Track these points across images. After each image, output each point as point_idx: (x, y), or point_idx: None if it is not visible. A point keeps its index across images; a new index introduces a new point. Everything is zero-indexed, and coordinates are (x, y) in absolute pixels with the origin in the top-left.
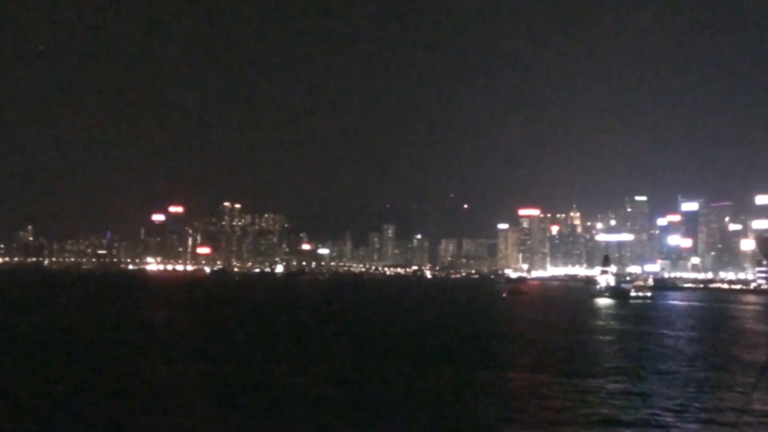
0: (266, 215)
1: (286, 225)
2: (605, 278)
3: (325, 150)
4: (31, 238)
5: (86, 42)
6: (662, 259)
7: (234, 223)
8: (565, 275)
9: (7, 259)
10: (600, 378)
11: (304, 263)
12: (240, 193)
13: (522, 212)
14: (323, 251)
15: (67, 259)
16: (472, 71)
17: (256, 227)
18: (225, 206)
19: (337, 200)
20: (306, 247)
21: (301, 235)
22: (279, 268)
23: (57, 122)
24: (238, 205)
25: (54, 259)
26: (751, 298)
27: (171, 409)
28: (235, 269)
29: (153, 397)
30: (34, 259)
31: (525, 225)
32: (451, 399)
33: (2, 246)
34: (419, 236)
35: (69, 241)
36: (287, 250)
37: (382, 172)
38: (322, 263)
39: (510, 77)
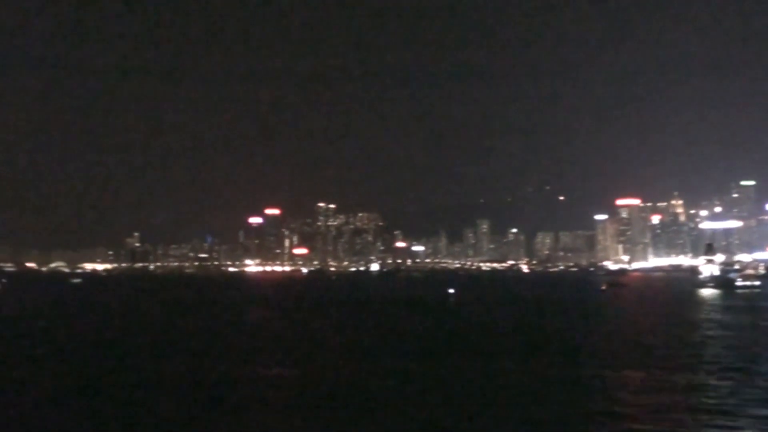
0: (360, 214)
1: (380, 223)
2: (709, 268)
3: (418, 147)
4: (137, 245)
5: (175, 50)
6: None
7: (329, 223)
8: (669, 266)
9: (116, 264)
10: (705, 374)
11: (399, 261)
12: (334, 193)
13: (621, 202)
14: (418, 248)
15: (170, 264)
16: (567, 63)
17: (351, 226)
18: (320, 207)
19: (431, 197)
20: (400, 244)
21: (395, 233)
22: (374, 267)
23: (159, 134)
24: (332, 206)
25: (159, 263)
26: None
27: (256, 413)
28: (332, 269)
29: (242, 402)
30: (140, 264)
31: (624, 215)
32: (552, 395)
33: (112, 252)
34: (515, 230)
35: (172, 246)
36: (382, 248)
37: (475, 167)
38: (417, 260)
39: (605, 66)
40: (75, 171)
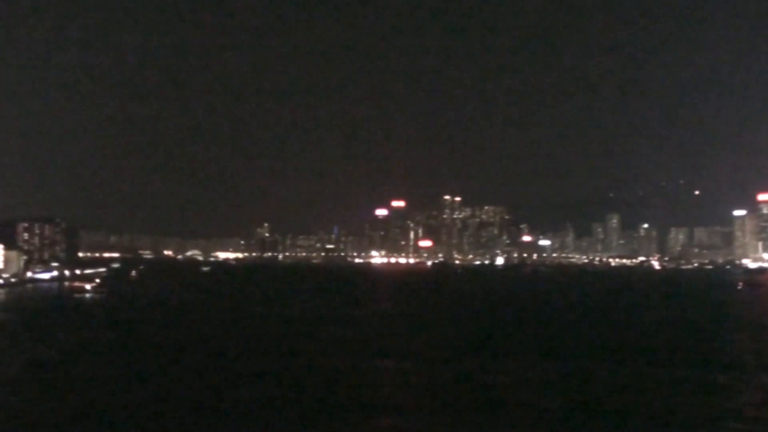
0: (486, 207)
1: (506, 217)
2: None
3: (546, 140)
4: (267, 235)
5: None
6: None
7: (454, 216)
8: None
9: (246, 254)
10: None
11: (525, 255)
12: (460, 186)
13: (761, 197)
14: (544, 242)
15: (298, 254)
16: (702, 54)
17: (477, 219)
18: (445, 199)
19: (558, 190)
20: (527, 238)
21: (521, 226)
22: (499, 260)
23: (289, 126)
24: (458, 198)
25: (287, 253)
26: None
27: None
28: (456, 261)
29: (361, 397)
30: (269, 253)
31: (765, 211)
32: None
33: (243, 242)
34: (646, 225)
35: (300, 237)
36: (508, 242)
37: (605, 159)
38: (544, 254)
39: (745, 55)
40: (211, 164)
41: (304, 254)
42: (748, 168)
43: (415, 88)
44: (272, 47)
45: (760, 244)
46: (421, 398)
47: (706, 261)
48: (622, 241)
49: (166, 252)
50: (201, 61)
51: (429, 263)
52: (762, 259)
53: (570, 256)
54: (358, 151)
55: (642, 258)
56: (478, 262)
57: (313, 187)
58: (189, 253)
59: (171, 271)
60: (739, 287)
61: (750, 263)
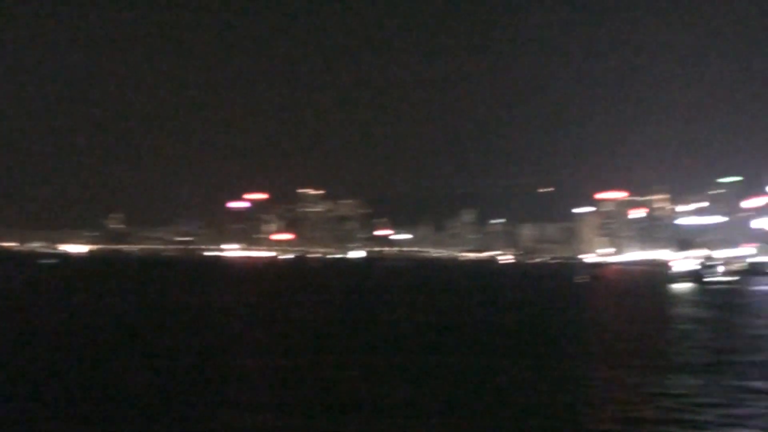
0: (346, 201)
1: (365, 211)
2: (684, 263)
3: (405, 134)
4: (117, 226)
5: (154, 24)
6: (753, 242)
7: (314, 209)
8: (649, 260)
9: (94, 246)
10: (677, 372)
11: (382, 249)
12: (320, 178)
13: (604, 195)
14: (402, 236)
15: (151, 246)
16: (550, 54)
17: (335, 213)
18: (304, 192)
19: (418, 185)
20: (385, 232)
21: (380, 220)
22: (358, 254)
23: (144, 109)
24: (317, 191)
25: (138, 246)
26: None
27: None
28: (314, 255)
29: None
30: (119, 245)
31: (606, 208)
32: (526, 393)
33: (91, 233)
34: (498, 220)
35: (153, 228)
36: (366, 236)
37: (461, 156)
38: (401, 249)
39: (591, 56)
40: (59, 150)
41: (157, 246)
42: (592, 167)
43: (274, 80)
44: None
45: (601, 239)
46: (268, 393)
47: (553, 255)
48: (475, 236)
49: (3, 243)
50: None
51: (286, 257)
52: (603, 254)
53: (425, 250)
54: (219, 140)
55: (493, 252)
56: (336, 256)
57: (171, 177)
58: (32, 245)
59: (6, 264)
60: (581, 281)
61: (591, 258)
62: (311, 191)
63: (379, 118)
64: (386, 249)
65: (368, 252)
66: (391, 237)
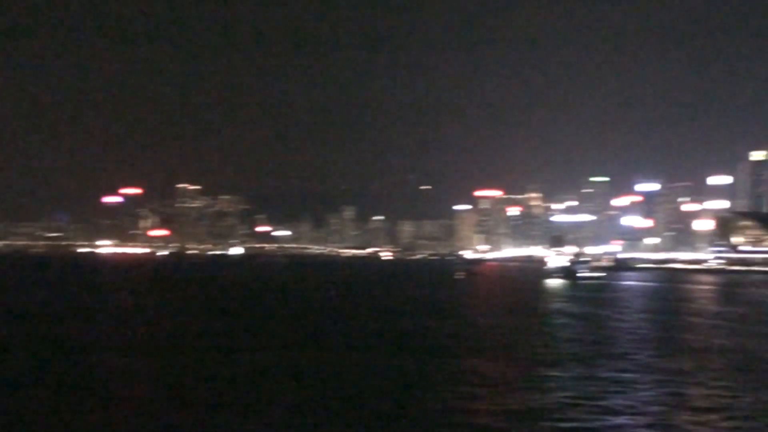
0: (224, 197)
1: (244, 207)
2: (558, 259)
3: (284, 130)
4: None
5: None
6: (620, 239)
7: (191, 205)
8: (524, 256)
9: None
10: (549, 365)
11: (262, 245)
12: (197, 174)
13: (481, 193)
14: (281, 233)
15: (18, 242)
16: (432, 52)
17: (214, 209)
18: (181, 188)
19: (297, 181)
20: (264, 228)
21: (259, 216)
22: (236, 251)
23: (15, 101)
24: (195, 186)
25: (5, 242)
26: (707, 278)
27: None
28: (192, 252)
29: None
30: None
31: (484, 206)
32: (402, 390)
33: None
34: (378, 217)
35: (20, 223)
36: (245, 232)
37: (341, 152)
38: (281, 245)
39: (468, 58)
40: None
41: (25, 243)
42: (470, 165)
43: (148, 73)
44: None
45: (478, 236)
46: (143, 391)
47: (432, 252)
48: (356, 233)
49: None
50: None
51: (162, 253)
52: (480, 251)
53: (306, 246)
54: (92, 133)
55: (373, 249)
56: (214, 253)
57: (40, 169)
58: None
59: None
60: (459, 277)
61: (469, 254)
62: (188, 186)
63: (257, 114)
64: (266, 245)
65: (248, 248)
66: (271, 233)
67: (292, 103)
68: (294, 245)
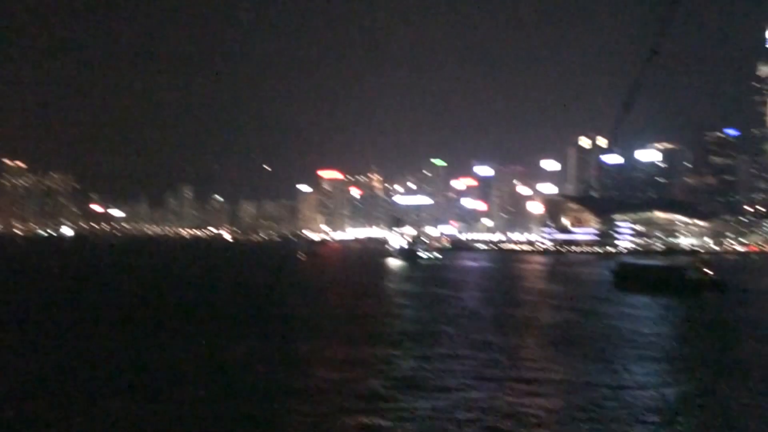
0: (53, 174)
1: (75, 185)
2: (397, 240)
3: (120, 107)
4: None
5: None
6: (458, 221)
7: (16, 182)
8: (365, 237)
9: None
10: (388, 344)
11: (96, 225)
12: (23, 150)
13: (323, 174)
14: (116, 213)
15: None
16: (276, 31)
17: (42, 187)
18: (6, 164)
19: (133, 160)
20: (98, 208)
21: (92, 195)
22: (68, 231)
23: None
24: (21, 163)
25: None
26: (538, 258)
27: None
28: (18, 232)
29: None
30: None
31: (326, 187)
32: (238, 372)
33: None
34: (219, 197)
35: None
36: (77, 211)
37: (180, 131)
38: (116, 225)
39: (310, 38)
40: None
41: None
42: (312, 146)
43: None
44: None
45: (321, 217)
46: None
47: (274, 233)
48: (195, 213)
49: None
50: None
51: None
52: (322, 232)
53: (143, 226)
54: None
55: (214, 229)
56: (43, 233)
57: None
58: None
59: None
60: (302, 258)
61: (312, 235)
62: (12, 163)
63: (91, 89)
64: (100, 226)
65: (81, 228)
66: (105, 213)
67: (128, 79)
68: (130, 226)
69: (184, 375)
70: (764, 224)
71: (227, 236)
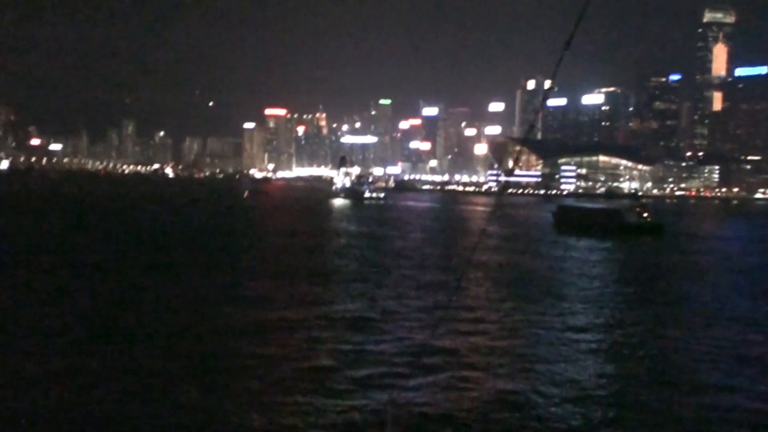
0: None
1: (12, 117)
2: (342, 179)
3: (60, 37)
4: None
5: None
6: (403, 161)
7: None
8: (310, 176)
9: None
10: (337, 282)
11: (33, 159)
12: None
13: (268, 112)
14: (56, 147)
15: None
16: None
17: None
18: None
19: (73, 92)
20: (36, 141)
21: (30, 128)
22: (3, 165)
23: None
24: None
25: None
26: (482, 199)
27: None
28: None
29: None
30: None
31: (271, 125)
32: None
33: None
34: (162, 133)
35: None
36: (14, 145)
37: (123, 64)
38: (54, 160)
39: None
40: None
41: None
42: (257, 83)
43: None
44: None
45: (266, 155)
46: None
47: (218, 170)
48: (137, 148)
49: None
50: None
51: None
52: (267, 170)
53: (84, 161)
54: None
55: (157, 165)
56: None
57: None
58: None
59: None
60: (246, 196)
61: (257, 173)
62: None
63: (31, 17)
64: (37, 160)
65: (18, 163)
66: (43, 147)
67: (71, 7)
68: (70, 160)
69: (137, 314)
70: (704, 170)
71: (170, 173)
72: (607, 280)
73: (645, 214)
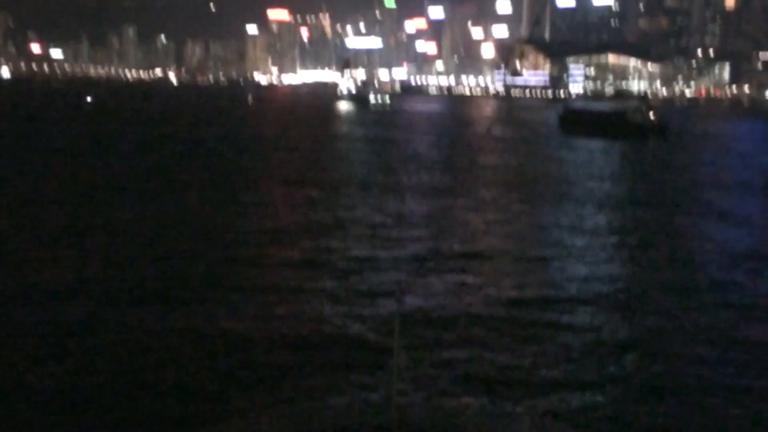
0: None
1: (10, 24)
2: (346, 83)
3: None
4: None
5: None
6: (409, 64)
7: None
8: (315, 81)
9: None
10: (344, 187)
11: (34, 66)
12: None
13: (271, 14)
14: (56, 53)
15: None
16: None
17: None
18: None
19: None
20: (36, 47)
21: (28, 35)
22: (4, 73)
23: None
24: None
25: None
26: (489, 101)
27: None
28: None
29: None
30: None
31: (275, 28)
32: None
33: None
34: (163, 37)
35: None
36: (14, 52)
37: None
38: (57, 67)
39: None
40: None
41: None
42: None
43: None
44: None
45: (270, 59)
46: None
47: (222, 76)
48: (139, 54)
49: None
50: None
51: None
52: (271, 74)
53: (85, 67)
54: None
55: (159, 71)
56: None
57: None
58: None
59: None
60: (250, 101)
61: (261, 78)
62: None
63: None
64: (40, 67)
65: (17, 70)
66: (43, 53)
67: None
68: (71, 67)
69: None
70: (714, 67)
71: (173, 78)
72: (616, 180)
73: (650, 115)
